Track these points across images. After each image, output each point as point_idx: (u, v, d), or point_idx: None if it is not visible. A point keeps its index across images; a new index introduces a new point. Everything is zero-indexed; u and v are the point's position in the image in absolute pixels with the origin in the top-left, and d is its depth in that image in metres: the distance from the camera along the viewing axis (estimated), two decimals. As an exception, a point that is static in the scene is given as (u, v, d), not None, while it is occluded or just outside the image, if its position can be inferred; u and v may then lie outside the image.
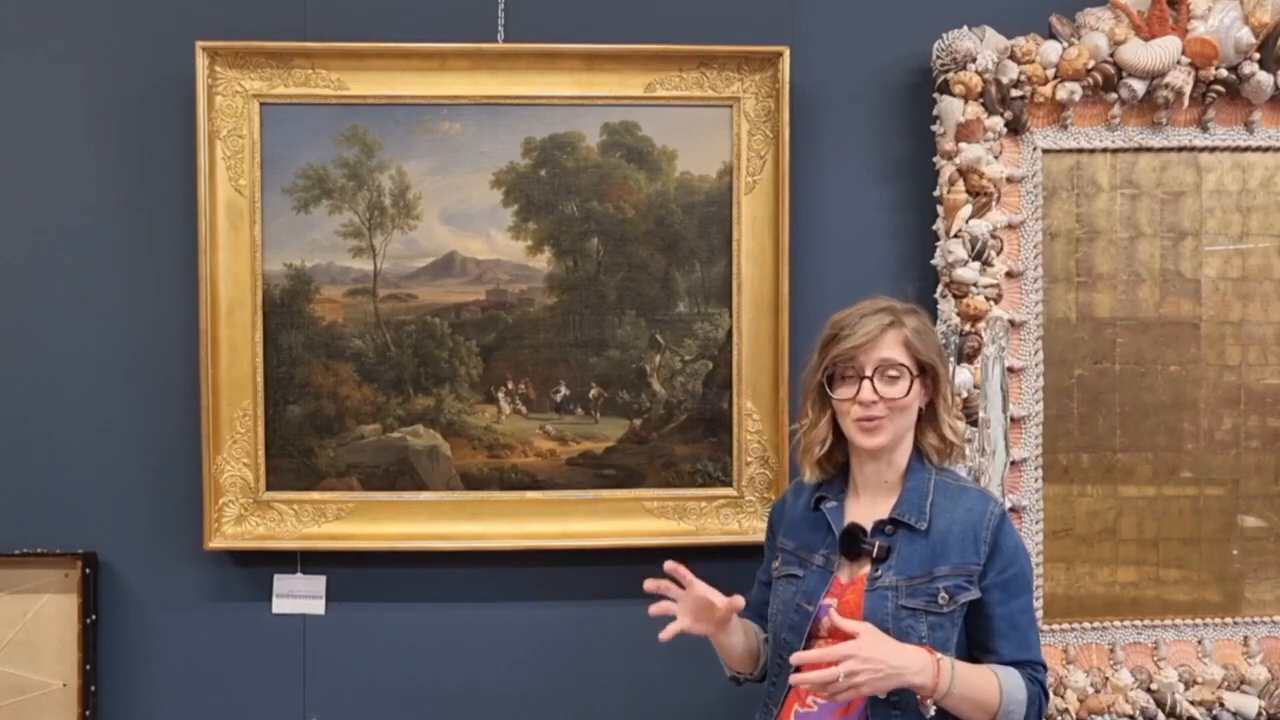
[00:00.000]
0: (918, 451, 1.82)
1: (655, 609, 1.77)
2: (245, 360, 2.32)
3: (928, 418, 1.82)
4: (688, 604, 1.78)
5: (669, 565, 1.78)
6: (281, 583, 2.38)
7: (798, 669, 1.64)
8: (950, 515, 1.75)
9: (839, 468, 1.87)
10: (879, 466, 1.81)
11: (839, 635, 1.67)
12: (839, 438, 1.84)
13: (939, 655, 1.66)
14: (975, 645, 1.76)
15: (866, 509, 1.81)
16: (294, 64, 2.30)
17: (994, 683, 1.69)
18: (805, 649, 1.74)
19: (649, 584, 1.77)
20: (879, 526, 1.77)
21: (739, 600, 1.78)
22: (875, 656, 1.61)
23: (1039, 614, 2.32)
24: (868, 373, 1.75)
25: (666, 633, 1.75)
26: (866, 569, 1.76)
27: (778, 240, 2.34)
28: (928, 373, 1.79)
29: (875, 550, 1.74)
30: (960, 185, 2.27)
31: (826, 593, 1.77)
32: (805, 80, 2.36)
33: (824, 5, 2.40)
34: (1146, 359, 2.37)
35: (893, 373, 1.76)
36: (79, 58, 2.33)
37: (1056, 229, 2.36)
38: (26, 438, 2.34)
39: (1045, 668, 1.77)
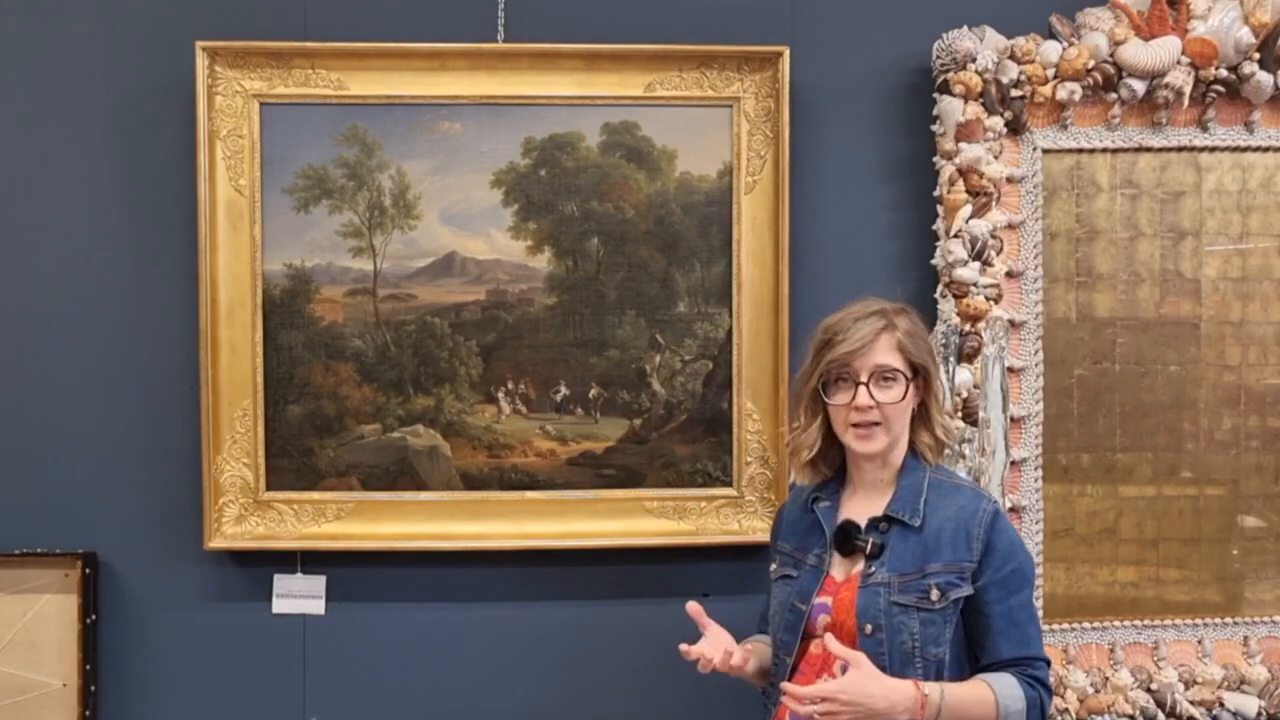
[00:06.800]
0: (913, 450, 1.82)
1: (686, 649, 1.78)
2: (245, 360, 2.32)
3: (921, 417, 1.83)
4: (713, 642, 1.81)
5: (690, 608, 1.82)
6: (281, 583, 2.38)
7: (785, 694, 1.67)
8: (943, 513, 1.75)
9: (835, 469, 1.88)
10: (874, 466, 1.81)
11: (829, 656, 1.69)
12: (830, 440, 1.84)
13: (926, 690, 1.65)
14: (974, 643, 1.75)
15: (862, 507, 1.81)
16: (294, 64, 2.30)
17: (989, 698, 1.68)
18: (800, 649, 1.77)
19: (684, 648, 1.79)
20: (873, 523, 1.77)
21: (739, 657, 1.80)
22: (858, 699, 1.61)
23: (1039, 613, 2.32)
24: (863, 378, 1.75)
25: (701, 659, 1.79)
26: (860, 566, 1.76)
27: (778, 240, 2.33)
28: (920, 374, 1.80)
29: (869, 547, 1.75)
30: (960, 185, 2.27)
31: (819, 591, 1.78)
32: (805, 80, 2.36)
33: (824, 5, 2.40)
34: (1146, 359, 2.37)
35: (888, 377, 1.76)
36: (79, 58, 2.33)
37: (1056, 229, 2.36)
38: (27, 438, 2.34)
39: (1047, 663, 1.76)
